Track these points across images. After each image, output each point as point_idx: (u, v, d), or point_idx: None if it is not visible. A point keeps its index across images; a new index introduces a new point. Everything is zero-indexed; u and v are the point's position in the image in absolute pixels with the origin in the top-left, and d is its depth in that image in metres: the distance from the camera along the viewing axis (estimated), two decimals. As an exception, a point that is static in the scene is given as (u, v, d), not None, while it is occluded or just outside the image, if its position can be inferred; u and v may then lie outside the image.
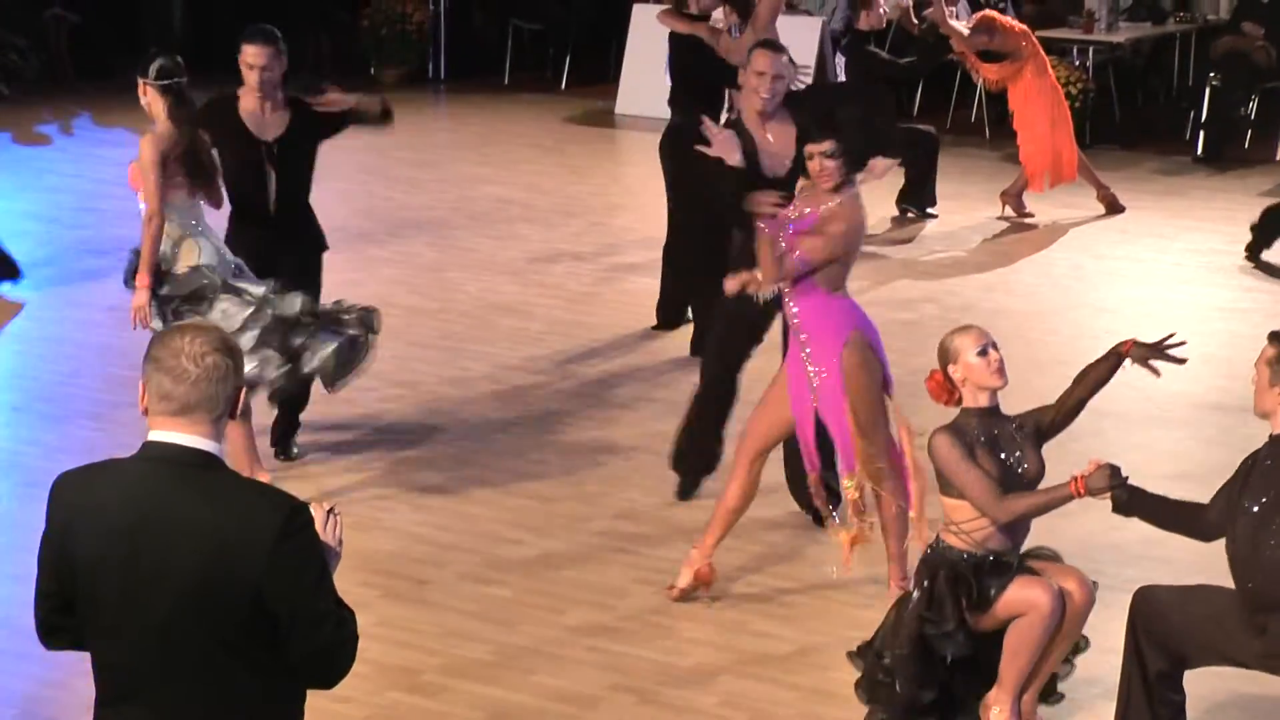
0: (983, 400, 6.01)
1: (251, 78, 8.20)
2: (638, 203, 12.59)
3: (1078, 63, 15.59)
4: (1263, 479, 5.72)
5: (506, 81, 18.15)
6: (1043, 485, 5.99)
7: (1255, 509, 5.70)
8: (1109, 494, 5.83)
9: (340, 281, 9.28)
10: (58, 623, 3.97)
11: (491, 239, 12.62)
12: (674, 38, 10.48)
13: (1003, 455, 5.96)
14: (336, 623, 3.88)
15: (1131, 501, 5.86)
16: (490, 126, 16.29)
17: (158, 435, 3.85)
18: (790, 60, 7.95)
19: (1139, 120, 16.39)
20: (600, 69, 17.81)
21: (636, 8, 16.80)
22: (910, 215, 13.32)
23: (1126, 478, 5.83)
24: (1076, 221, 13.30)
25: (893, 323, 10.79)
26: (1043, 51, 13.33)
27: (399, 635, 6.95)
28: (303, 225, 8.42)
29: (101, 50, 17.13)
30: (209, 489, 3.83)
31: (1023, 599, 5.91)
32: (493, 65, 18.28)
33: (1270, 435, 5.78)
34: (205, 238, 7.94)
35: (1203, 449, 8.76)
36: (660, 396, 9.58)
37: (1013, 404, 6.16)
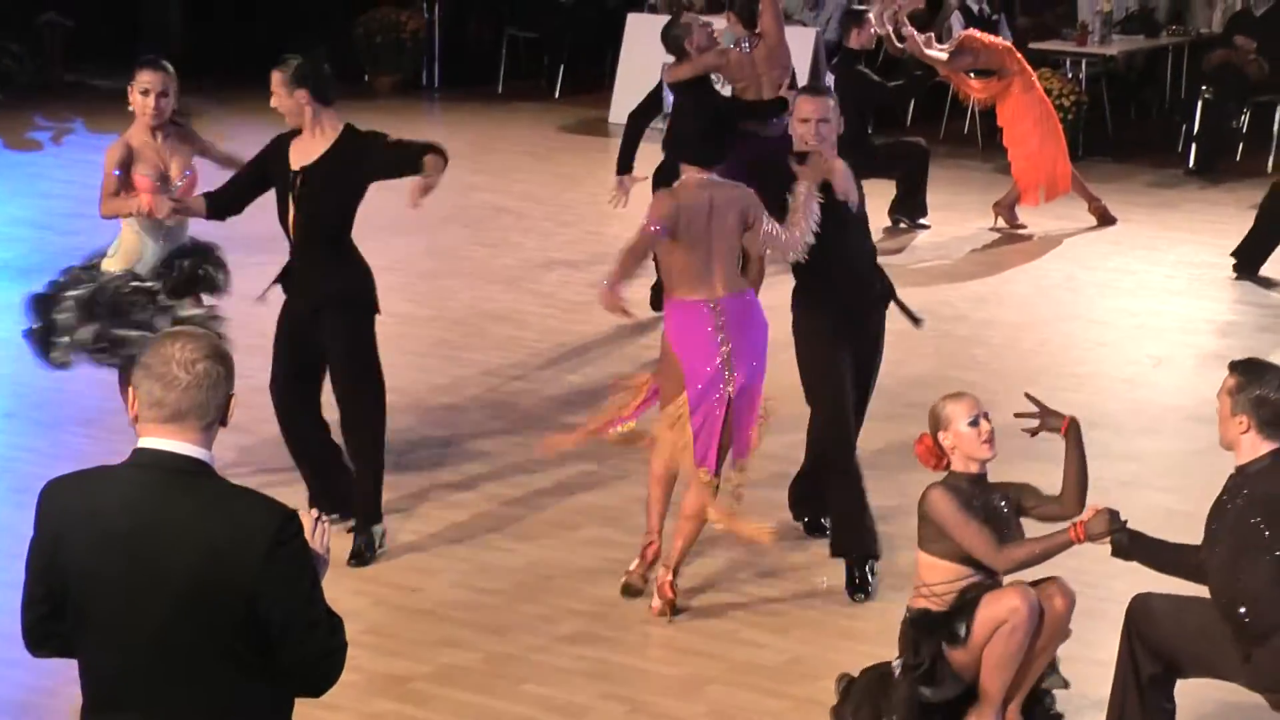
0: (972, 468, 6.06)
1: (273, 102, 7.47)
2: (631, 212, 12.53)
3: (1070, 75, 15.59)
4: (1234, 513, 5.72)
5: (501, 90, 18.15)
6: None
7: (1230, 542, 5.70)
8: (1109, 539, 5.86)
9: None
10: (45, 630, 3.96)
11: (485, 247, 12.63)
12: (688, 97, 10.10)
13: (992, 517, 5.98)
14: (328, 630, 3.88)
15: (1131, 545, 5.90)
16: (484, 135, 16.28)
17: (148, 442, 3.85)
18: (835, 102, 7.49)
19: (1132, 133, 16.40)
20: (594, 78, 17.82)
21: (631, 17, 16.81)
22: (902, 226, 13.33)
23: (1125, 521, 5.87)
24: (1069, 233, 13.31)
25: (885, 332, 10.79)
26: (1029, 67, 13.33)
27: (389, 643, 6.94)
28: (329, 268, 7.51)
29: (96, 56, 17.12)
30: (201, 496, 3.83)
31: (999, 611, 5.91)
32: (487, 74, 18.27)
33: (1235, 467, 5.79)
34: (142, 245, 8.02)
35: (1194, 461, 8.75)
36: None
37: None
